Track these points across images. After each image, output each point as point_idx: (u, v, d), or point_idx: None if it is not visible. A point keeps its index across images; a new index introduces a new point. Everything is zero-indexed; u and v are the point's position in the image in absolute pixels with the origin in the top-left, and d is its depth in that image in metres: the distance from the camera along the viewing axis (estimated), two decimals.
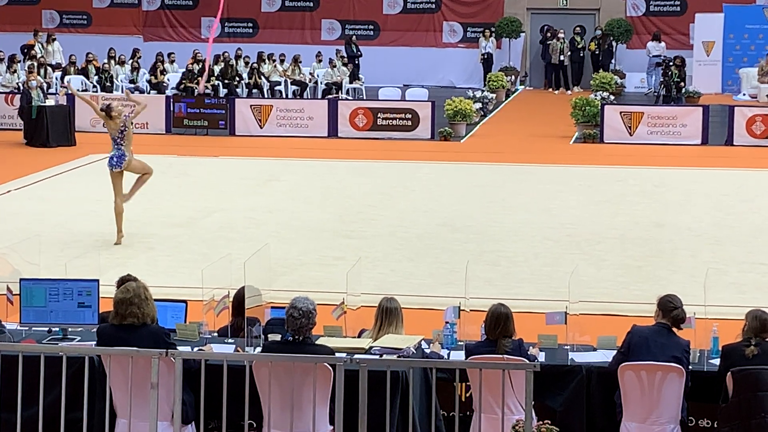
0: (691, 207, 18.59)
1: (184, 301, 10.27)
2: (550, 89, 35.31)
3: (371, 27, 36.93)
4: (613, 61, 35.03)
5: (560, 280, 13.04)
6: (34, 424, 7.93)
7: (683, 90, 30.04)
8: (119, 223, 15.81)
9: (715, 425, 8.74)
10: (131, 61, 31.89)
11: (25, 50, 32.14)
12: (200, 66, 30.86)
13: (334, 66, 32.15)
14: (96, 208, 18.14)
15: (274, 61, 32.42)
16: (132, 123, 15.87)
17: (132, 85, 30.76)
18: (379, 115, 26.33)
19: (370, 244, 15.96)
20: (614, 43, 35.03)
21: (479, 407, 8.43)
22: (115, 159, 15.64)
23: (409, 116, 26.25)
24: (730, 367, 8.41)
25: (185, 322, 9.86)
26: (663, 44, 34.18)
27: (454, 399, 8.11)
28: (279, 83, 31.92)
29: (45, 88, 26.89)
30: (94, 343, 8.66)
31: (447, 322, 9.50)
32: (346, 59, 32.85)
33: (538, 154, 23.83)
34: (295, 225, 17.17)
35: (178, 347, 8.45)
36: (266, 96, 30.75)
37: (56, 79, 30.56)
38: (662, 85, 30.41)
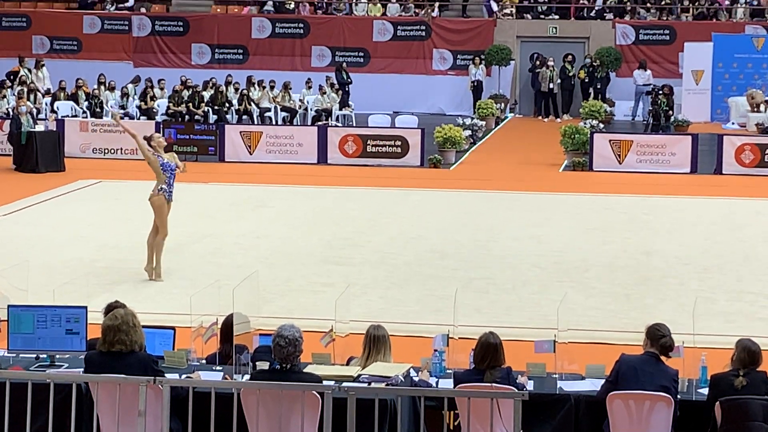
0: (679, 235, 18.60)
1: (173, 328, 10.24)
2: (540, 117, 35.38)
3: (361, 54, 37.00)
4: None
5: (549, 308, 13.03)
6: None
7: (672, 118, 30.13)
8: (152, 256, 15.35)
9: None
10: (131, 85, 31.95)
11: (12, 77, 32.11)
12: (190, 92, 30.90)
13: (324, 93, 32.18)
14: (85, 233, 18.12)
15: (263, 87, 32.47)
16: (155, 157, 14.95)
17: (122, 111, 30.78)
18: (368, 142, 26.35)
19: (359, 271, 15.95)
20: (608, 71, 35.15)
21: None
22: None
23: (399, 143, 26.27)
24: (718, 396, 8.40)
25: (173, 349, 9.83)
26: (649, 72, 34.29)
27: (443, 427, 8.09)
28: (269, 109, 31.95)
29: (35, 113, 26.86)
30: (82, 370, 8.63)
31: (435, 350, 9.49)
32: (336, 86, 32.90)
33: (527, 181, 23.86)
34: (284, 251, 17.15)
35: (165, 374, 8.43)
36: (256, 122, 30.78)
37: (46, 104, 30.56)
38: (650, 114, 30.51)
